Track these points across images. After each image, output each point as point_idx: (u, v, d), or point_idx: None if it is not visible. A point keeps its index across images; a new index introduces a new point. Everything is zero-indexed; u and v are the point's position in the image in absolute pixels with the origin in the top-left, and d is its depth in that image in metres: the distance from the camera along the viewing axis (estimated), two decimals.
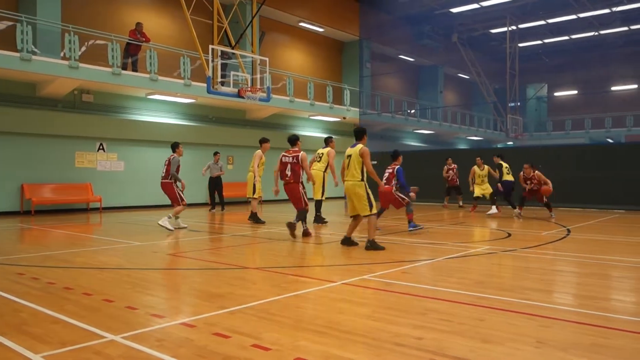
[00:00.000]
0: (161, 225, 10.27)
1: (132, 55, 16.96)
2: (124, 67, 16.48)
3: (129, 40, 16.95)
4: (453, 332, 3.64)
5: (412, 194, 9.95)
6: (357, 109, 25.27)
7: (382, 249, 7.56)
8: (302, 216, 9.34)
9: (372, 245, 7.58)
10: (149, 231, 10.82)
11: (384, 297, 4.81)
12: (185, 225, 11.08)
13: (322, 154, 12.10)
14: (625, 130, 31.96)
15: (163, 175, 10.86)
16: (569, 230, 10.23)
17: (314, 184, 10.56)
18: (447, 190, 17.37)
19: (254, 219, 12.23)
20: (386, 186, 9.28)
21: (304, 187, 9.62)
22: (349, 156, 7.74)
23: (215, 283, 5.44)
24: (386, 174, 10.09)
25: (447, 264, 6.64)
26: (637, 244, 8.51)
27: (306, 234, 9.37)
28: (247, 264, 6.54)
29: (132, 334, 3.59)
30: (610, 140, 31.80)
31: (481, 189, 15.23)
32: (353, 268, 6.33)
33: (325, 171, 11.91)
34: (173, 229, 10.31)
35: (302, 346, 3.35)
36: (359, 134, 7.88)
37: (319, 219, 11.97)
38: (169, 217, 10.46)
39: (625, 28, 31.36)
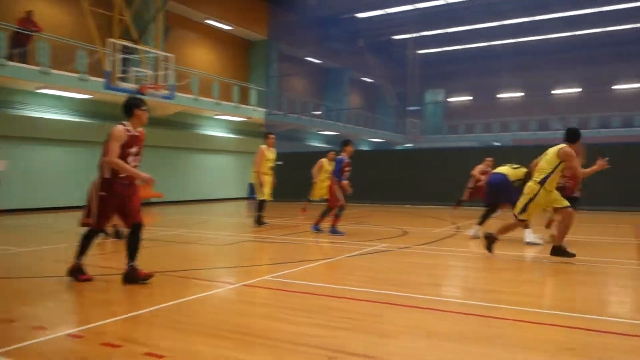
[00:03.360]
0: None
1: (21, 45, 15.63)
2: (11, 58, 15.15)
3: (18, 29, 15.61)
4: (352, 329, 3.72)
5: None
6: (264, 109, 25.23)
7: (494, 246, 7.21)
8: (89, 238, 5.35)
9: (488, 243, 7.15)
10: (34, 236, 10.03)
11: (285, 297, 4.81)
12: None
13: None
14: (511, 134, 34.64)
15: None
16: (458, 227, 10.88)
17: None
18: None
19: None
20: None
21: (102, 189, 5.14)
22: None
23: (106, 289, 5.15)
24: None
25: (347, 262, 6.80)
26: (513, 239, 9.22)
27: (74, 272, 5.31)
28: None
29: (7, 350, 3.28)
30: (497, 144, 34.25)
31: (321, 190, 13.28)
32: (254, 269, 6.29)
33: (260, 170, 10.80)
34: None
35: (199, 351, 3.26)
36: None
37: (258, 220, 11.09)
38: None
39: (514, 40, 34.06)
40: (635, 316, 4.19)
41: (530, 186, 6.71)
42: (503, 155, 14.11)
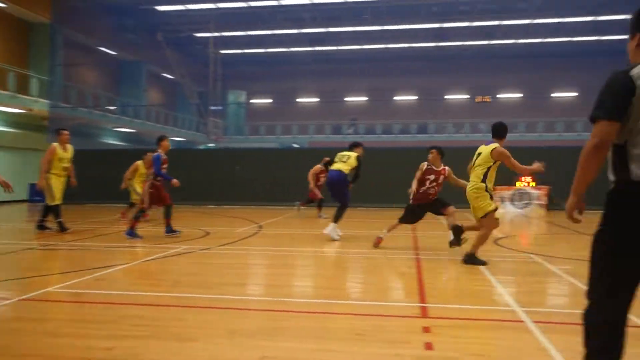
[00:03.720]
0: None
1: None
2: None
3: None
4: (148, 337, 3.55)
5: None
6: (47, 101, 22.57)
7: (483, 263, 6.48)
8: None
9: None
10: None
11: (73, 310, 4.38)
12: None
13: None
14: (308, 137, 36.81)
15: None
16: (260, 227, 11.18)
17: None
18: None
19: None
20: None
21: None
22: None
23: None
24: None
25: (145, 266, 6.46)
26: (313, 235, 9.85)
27: None
28: None
29: None
30: (296, 145, 36.09)
31: (137, 193, 11.73)
32: (36, 280, 5.57)
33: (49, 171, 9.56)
34: None
35: None
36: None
37: (41, 225, 9.79)
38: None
39: (311, 48, 36.23)
40: (409, 299, 4.79)
41: (478, 187, 6.38)
42: (303, 156, 14.88)
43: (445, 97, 39.21)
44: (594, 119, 2.25)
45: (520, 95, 38.54)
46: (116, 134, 30.22)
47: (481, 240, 6.43)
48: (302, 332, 3.73)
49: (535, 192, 15.27)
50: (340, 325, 3.91)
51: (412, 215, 7.61)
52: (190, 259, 6.94)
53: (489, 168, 6.35)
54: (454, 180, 7.49)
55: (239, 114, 40.14)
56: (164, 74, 36.39)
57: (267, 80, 39.92)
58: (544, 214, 14.97)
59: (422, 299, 4.67)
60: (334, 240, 8.62)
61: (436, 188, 7.45)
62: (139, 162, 11.99)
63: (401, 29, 33.22)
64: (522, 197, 16.26)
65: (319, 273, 6.35)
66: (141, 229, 9.30)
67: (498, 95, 38.01)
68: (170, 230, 9.01)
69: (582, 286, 5.06)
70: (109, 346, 3.34)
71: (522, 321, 3.95)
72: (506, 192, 16.15)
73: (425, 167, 7.45)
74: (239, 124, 39.68)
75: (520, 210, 15.92)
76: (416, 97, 39.71)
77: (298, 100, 41.19)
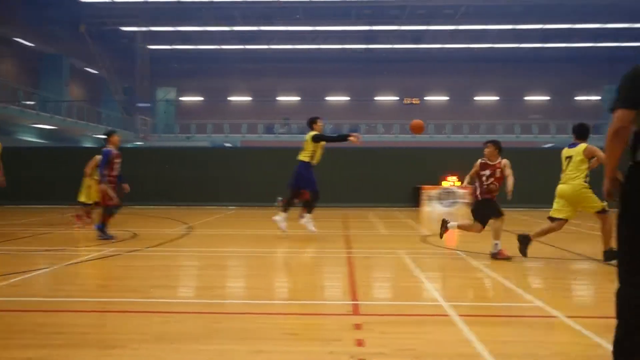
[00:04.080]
0: None
1: None
2: None
3: None
4: (69, 345, 3.37)
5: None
6: None
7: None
8: None
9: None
10: None
11: None
12: None
13: None
14: (240, 136, 36.38)
15: None
16: (190, 227, 10.92)
17: None
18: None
19: None
20: None
21: None
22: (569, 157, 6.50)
23: None
24: None
25: (67, 270, 6.13)
26: (247, 236, 9.76)
27: None
28: None
29: None
30: (228, 145, 35.59)
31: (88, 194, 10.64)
32: None
33: None
34: None
35: None
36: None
37: None
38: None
39: (242, 46, 35.84)
40: (343, 297, 4.84)
41: (584, 189, 6.32)
42: (235, 155, 14.68)
43: (375, 98, 40.07)
44: (612, 110, 2.51)
45: (447, 98, 40.08)
46: (35, 130, 28.52)
47: (610, 234, 6.30)
48: (233, 333, 3.67)
49: (460, 191, 15.90)
50: (273, 325, 3.89)
51: (483, 212, 6.98)
52: (116, 262, 6.66)
53: (586, 170, 6.34)
54: (507, 172, 6.86)
55: (168, 112, 38.98)
56: (88, 69, 34.78)
57: (198, 77, 39.10)
58: (468, 212, 15.65)
59: (354, 297, 4.73)
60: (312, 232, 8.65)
61: (496, 183, 6.84)
62: (98, 157, 11.14)
63: (332, 30, 33.64)
64: (448, 196, 16.89)
65: (250, 273, 6.29)
66: (62, 231, 8.82)
67: (426, 98, 39.32)
68: (102, 232, 8.55)
69: (503, 280, 5.35)
70: (25, 356, 3.15)
71: (447, 315, 4.09)
72: (433, 191, 16.72)
73: (479, 162, 6.93)
74: (169, 122, 38.55)
75: (446, 208, 16.54)
76: (347, 98, 40.30)
77: (230, 98, 40.65)
